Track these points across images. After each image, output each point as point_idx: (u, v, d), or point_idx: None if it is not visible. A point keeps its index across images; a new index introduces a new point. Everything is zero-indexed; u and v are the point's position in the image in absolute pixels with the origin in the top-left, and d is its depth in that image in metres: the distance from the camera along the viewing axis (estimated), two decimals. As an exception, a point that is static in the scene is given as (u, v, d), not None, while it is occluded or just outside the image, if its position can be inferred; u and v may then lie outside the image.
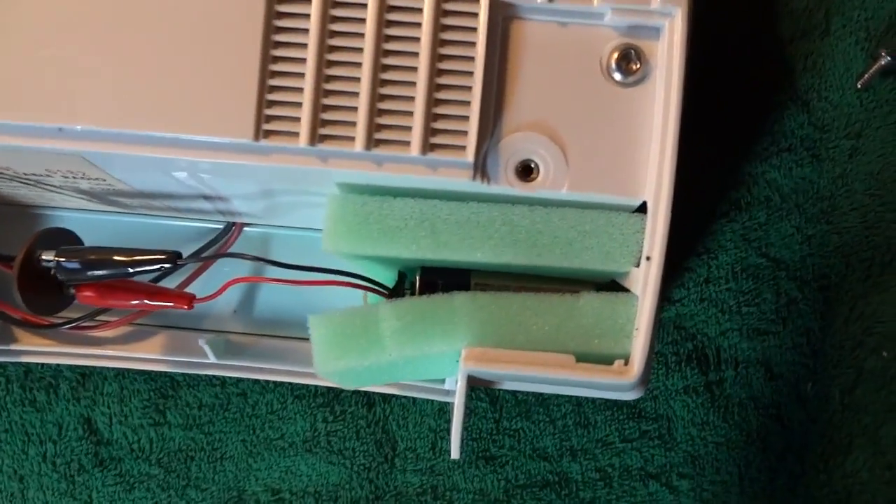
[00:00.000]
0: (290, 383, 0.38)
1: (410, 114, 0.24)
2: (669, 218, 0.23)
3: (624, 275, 0.25)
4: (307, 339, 0.36)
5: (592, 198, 0.24)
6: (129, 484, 0.39)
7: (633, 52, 0.24)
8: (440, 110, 0.24)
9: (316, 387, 0.38)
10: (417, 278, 0.28)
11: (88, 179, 0.29)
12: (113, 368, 0.39)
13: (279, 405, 0.39)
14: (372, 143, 0.24)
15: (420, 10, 0.23)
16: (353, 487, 0.39)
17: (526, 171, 0.25)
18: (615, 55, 0.24)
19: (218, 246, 0.35)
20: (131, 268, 0.29)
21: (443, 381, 0.36)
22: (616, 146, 0.24)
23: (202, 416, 0.39)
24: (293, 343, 0.37)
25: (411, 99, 0.24)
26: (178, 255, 0.29)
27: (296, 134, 0.24)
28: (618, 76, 0.24)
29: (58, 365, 0.39)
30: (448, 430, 0.38)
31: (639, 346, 0.23)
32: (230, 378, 0.39)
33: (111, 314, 0.36)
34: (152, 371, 0.38)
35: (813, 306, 0.36)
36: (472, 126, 0.24)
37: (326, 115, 0.24)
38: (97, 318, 0.36)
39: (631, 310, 0.24)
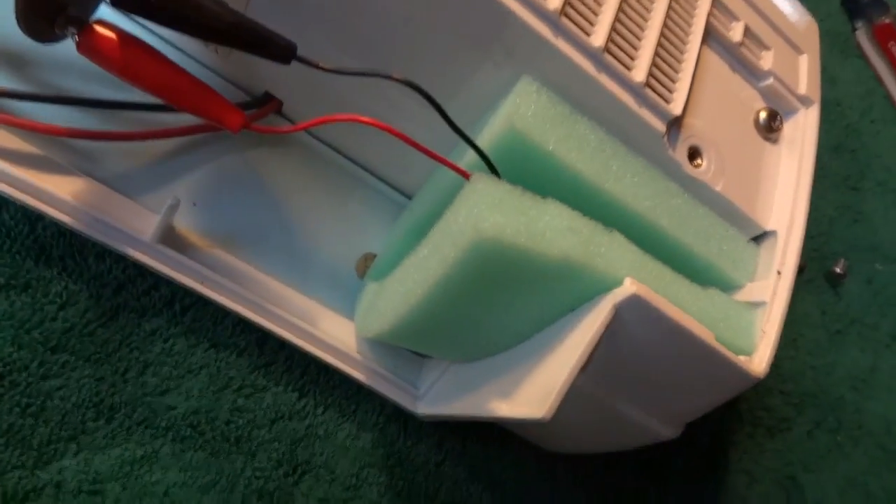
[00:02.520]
0: (210, 323, 0.28)
1: (640, 38, 0.24)
2: (799, 245, 0.26)
3: (733, 290, 0.26)
4: (266, 273, 0.29)
5: (733, 207, 0.26)
6: None
7: (778, 116, 0.28)
8: (661, 54, 0.25)
9: (246, 339, 0.28)
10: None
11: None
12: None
13: (185, 346, 0.27)
14: (606, 45, 0.23)
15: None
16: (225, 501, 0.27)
17: (694, 155, 0.26)
18: (764, 112, 0.28)
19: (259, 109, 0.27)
20: (226, 35, 0.21)
21: (416, 387, 0.30)
22: (757, 180, 0.27)
23: (59, 315, 0.26)
24: (247, 268, 0.28)
25: (643, 28, 0.25)
26: (295, 48, 0.22)
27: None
28: (763, 128, 0.28)
29: None
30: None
31: (767, 346, 0.24)
32: (139, 281, 0.27)
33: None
34: (42, 214, 0.25)
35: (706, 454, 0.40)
36: (683, 84, 0.25)
37: (577, -2, 0.23)
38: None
39: (751, 315, 0.25)
